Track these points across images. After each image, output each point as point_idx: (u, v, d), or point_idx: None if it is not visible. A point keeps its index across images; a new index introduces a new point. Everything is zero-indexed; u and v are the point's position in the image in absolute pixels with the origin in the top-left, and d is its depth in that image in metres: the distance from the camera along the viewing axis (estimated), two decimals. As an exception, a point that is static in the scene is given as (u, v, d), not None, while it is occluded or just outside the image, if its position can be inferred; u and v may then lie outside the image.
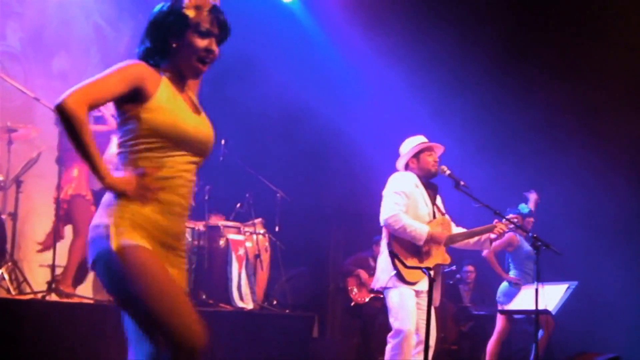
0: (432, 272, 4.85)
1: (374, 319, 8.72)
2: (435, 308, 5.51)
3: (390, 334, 5.40)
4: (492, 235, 5.60)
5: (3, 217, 6.21)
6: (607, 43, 9.42)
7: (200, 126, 2.90)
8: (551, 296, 6.12)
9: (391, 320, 5.42)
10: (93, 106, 2.69)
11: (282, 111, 9.54)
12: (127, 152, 2.80)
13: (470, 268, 9.97)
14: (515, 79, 9.98)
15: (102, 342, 5.58)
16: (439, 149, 5.68)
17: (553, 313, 6.13)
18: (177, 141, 2.80)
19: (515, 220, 5.63)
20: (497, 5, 9.95)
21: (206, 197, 7.89)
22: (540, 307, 5.67)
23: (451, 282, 9.81)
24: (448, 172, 5.58)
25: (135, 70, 2.78)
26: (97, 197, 7.24)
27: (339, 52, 10.01)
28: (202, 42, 2.85)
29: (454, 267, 9.34)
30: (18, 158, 6.99)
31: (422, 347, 5.23)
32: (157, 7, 2.91)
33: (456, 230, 5.66)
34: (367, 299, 8.80)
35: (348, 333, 9.86)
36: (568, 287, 6.19)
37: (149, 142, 2.77)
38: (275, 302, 8.12)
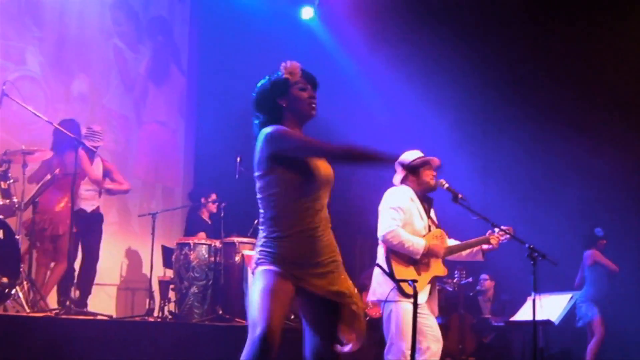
0: (417, 285, 4.92)
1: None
2: (436, 318, 5.58)
3: (387, 350, 5.37)
4: (484, 246, 5.68)
5: (18, 237, 6.39)
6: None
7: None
8: (554, 306, 6.15)
9: (391, 334, 5.35)
10: None
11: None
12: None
13: (486, 276, 9.99)
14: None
15: (111, 356, 5.75)
16: (436, 163, 5.74)
17: (556, 323, 6.16)
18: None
19: (508, 230, 5.64)
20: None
21: (222, 215, 8.08)
22: (543, 318, 5.72)
23: (471, 294, 9.81)
24: (446, 185, 5.63)
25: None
26: (80, 220, 7.42)
27: (350, 63, 10.15)
28: (304, 93, 3.71)
29: (470, 280, 9.35)
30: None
31: (428, 353, 5.29)
32: (259, 85, 3.74)
33: (451, 242, 5.73)
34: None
35: (369, 343, 9.86)
36: (571, 298, 6.21)
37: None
38: (292, 317, 8.18)
